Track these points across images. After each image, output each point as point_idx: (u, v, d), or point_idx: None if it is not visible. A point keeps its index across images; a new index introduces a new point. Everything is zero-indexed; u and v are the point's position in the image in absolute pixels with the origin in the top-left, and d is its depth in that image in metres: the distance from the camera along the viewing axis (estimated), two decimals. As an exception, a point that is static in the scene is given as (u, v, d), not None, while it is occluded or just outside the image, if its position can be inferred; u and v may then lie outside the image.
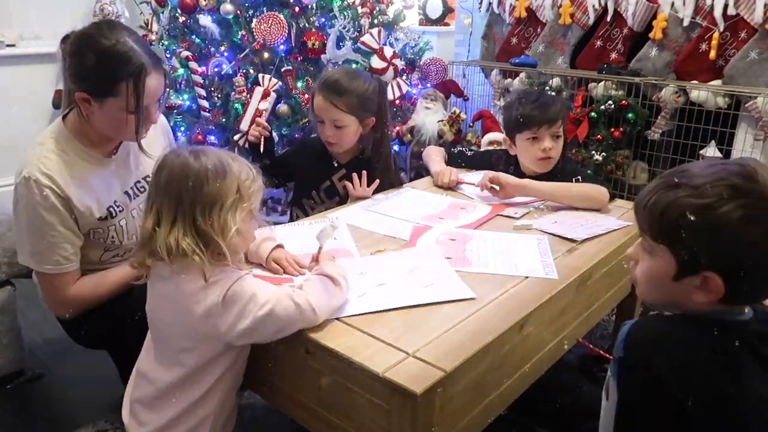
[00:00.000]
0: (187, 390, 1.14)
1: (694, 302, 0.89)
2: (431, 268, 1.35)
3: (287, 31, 2.57)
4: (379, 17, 2.89)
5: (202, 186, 1.08)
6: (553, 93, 2.77)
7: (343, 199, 1.92)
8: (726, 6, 2.47)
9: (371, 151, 1.92)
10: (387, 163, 1.97)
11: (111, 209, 1.45)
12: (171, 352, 1.15)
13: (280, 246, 1.36)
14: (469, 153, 2.21)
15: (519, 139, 1.94)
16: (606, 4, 2.83)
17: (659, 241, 0.91)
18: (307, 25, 2.68)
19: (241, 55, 2.63)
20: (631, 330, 0.91)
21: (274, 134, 2.60)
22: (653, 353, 0.87)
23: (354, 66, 2.68)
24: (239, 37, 2.62)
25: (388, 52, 2.75)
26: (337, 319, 1.13)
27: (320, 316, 1.11)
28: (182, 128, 2.63)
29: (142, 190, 1.53)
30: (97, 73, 1.32)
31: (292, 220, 1.96)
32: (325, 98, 1.80)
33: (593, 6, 2.87)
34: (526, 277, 1.31)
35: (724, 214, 0.83)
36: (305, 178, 1.98)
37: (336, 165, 1.94)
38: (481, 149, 2.99)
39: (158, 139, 1.61)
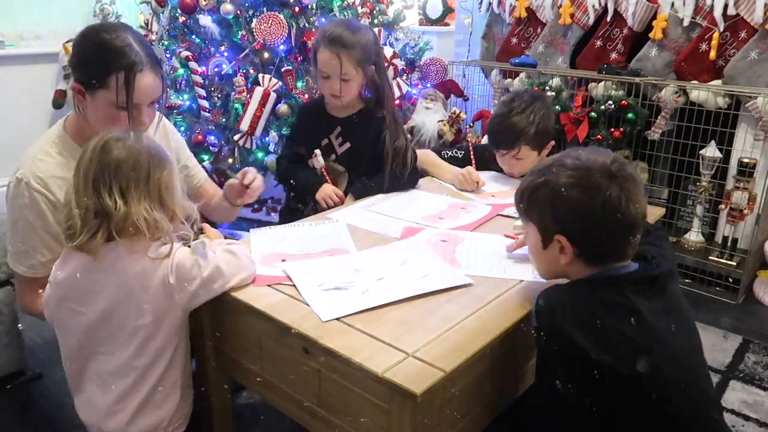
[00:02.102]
0: (145, 377, 1.21)
1: (565, 266, 1.11)
2: (421, 258, 1.37)
3: (287, 31, 2.57)
4: (379, 17, 2.90)
5: (162, 165, 1.19)
6: (553, 93, 2.77)
7: (339, 157, 1.94)
8: (726, 6, 2.47)
9: (374, 102, 1.93)
10: (394, 116, 1.94)
11: None
12: (121, 338, 1.19)
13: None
14: (459, 155, 2.15)
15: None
16: (606, 4, 2.83)
17: (526, 220, 1.17)
18: (307, 25, 2.68)
19: (241, 55, 2.63)
20: (538, 300, 1.07)
21: (274, 134, 2.61)
22: (558, 316, 1.02)
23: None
24: (239, 37, 2.62)
25: (388, 52, 2.75)
26: (337, 319, 1.13)
27: (253, 264, 1.28)
28: (182, 128, 2.63)
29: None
30: (91, 63, 1.34)
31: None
32: (333, 52, 1.79)
33: (593, 6, 2.87)
34: (521, 281, 1.31)
35: (555, 183, 1.08)
36: (305, 138, 1.97)
37: (332, 122, 1.94)
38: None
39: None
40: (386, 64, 2.72)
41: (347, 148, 1.93)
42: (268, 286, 1.25)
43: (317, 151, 1.87)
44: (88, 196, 1.15)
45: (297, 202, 1.98)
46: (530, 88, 2.92)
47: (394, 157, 1.87)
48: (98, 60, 1.33)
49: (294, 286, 1.24)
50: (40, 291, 1.41)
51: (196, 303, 1.22)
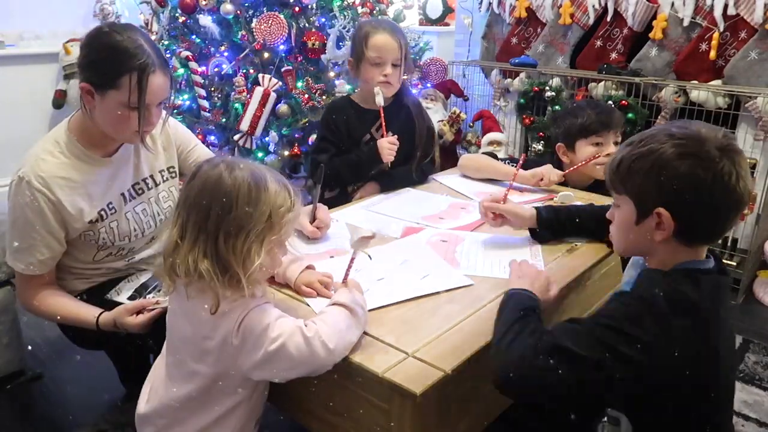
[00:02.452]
0: (197, 413, 1.09)
1: (656, 243, 1.03)
2: (421, 259, 1.37)
3: (287, 31, 2.57)
4: (379, 17, 2.89)
5: (231, 207, 0.99)
6: (553, 93, 2.78)
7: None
8: (726, 6, 2.47)
9: (398, 93, 1.97)
10: (419, 106, 2.03)
11: (103, 212, 1.45)
12: (185, 367, 1.08)
13: (309, 267, 1.27)
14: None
15: (581, 145, 1.94)
16: (606, 4, 2.84)
17: (620, 192, 1.07)
18: (307, 25, 2.68)
19: (241, 55, 2.63)
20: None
21: (274, 134, 2.61)
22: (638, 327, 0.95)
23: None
24: (239, 37, 2.62)
25: (388, 52, 2.75)
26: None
27: (335, 353, 1.01)
28: (182, 128, 2.63)
29: (140, 192, 1.53)
30: (102, 64, 1.33)
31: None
32: (393, 37, 1.85)
33: (593, 6, 2.87)
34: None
35: (662, 152, 0.99)
36: (344, 137, 1.96)
37: (370, 116, 1.95)
38: (482, 149, 3.00)
39: (167, 147, 1.62)
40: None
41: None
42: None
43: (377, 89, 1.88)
44: (171, 227, 1.04)
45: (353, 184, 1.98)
46: (530, 88, 2.93)
47: (428, 137, 1.97)
48: (111, 61, 1.32)
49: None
50: (39, 288, 1.43)
51: (259, 376, 1.06)
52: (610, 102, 2.64)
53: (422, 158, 1.98)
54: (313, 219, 1.51)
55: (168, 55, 2.69)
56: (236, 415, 1.11)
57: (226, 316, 1.01)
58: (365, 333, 1.08)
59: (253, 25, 2.57)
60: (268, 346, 1.00)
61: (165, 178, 1.60)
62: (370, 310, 1.14)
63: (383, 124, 1.88)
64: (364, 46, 1.85)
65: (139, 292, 1.47)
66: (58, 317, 1.43)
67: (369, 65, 1.86)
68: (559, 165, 2.00)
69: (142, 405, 1.17)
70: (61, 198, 1.37)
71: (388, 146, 1.86)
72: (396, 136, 1.89)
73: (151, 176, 1.57)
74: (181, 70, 2.67)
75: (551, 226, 1.49)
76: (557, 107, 2.71)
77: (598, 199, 1.73)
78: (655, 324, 0.93)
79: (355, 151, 1.93)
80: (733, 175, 0.99)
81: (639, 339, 0.92)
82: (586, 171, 1.93)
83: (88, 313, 1.40)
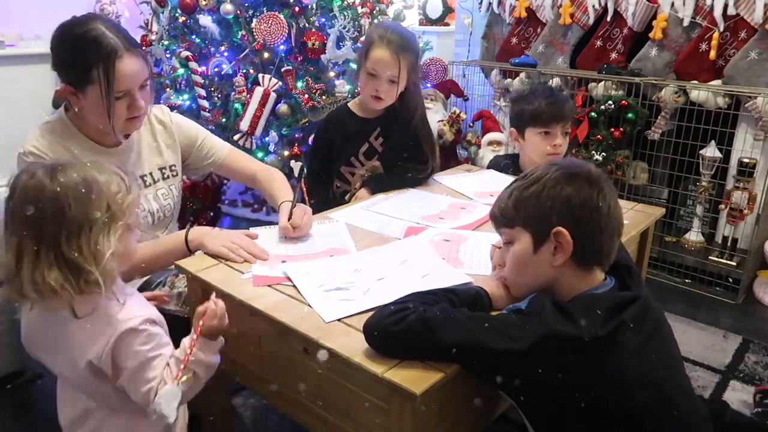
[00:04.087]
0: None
1: (556, 270, 1.07)
2: (421, 258, 1.37)
3: (287, 31, 2.57)
4: (379, 17, 2.89)
5: (64, 210, 0.96)
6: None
7: (381, 154, 1.95)
8: (726, 6, 2.47)
9: (399, 102, 1.93)
10: (423, 115, 1.98)
11: None
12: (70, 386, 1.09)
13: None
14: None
15: (530, 133, 1.96)
16: (606, 4, 2.84)
17: (513, 224, 1.12)
18: (307, 25, 2.68)
19: (241, 55, 2.63)
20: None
21: (274, 134, 2.61)
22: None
23: (354, 65, 2.68)
24: (239, 37, 2.62)
25: (388, 52, 2.75)
26: (338, 319, 1.12)
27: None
28: (182, 128, 2.63)
29: (138, 187, 1.54)
30: (71, 62, 1.34)
31: (333, 191, 1.99)
32: (393, 54, 1.78)
33: (593, 6, 2.87)
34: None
35: (550, 176, 1.08)
36: (341, 149, 1.96)
37: (369, 125, 1.94)
38: (482, 149, 3.00)
39: (171, 138, 1.62)
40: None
41: (383, 144, 1.96)
42: (269, 286, 1.25)
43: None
44: (6, 253, 1.00)
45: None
46: (539, 84, 2.93)
47: (426, 142, 1.95)
48: (77, 58, 1.32)
49: (294, 286, 1.24)
50: None
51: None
52: (610, 102, 2.64)
53: (424, 165, 1.96)
54: (289, 217, 1.49)
55: (168, 55, 2.69)
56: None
57: (95, 337, 1.01)
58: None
59: (253, 25, 2.56)
60: (140, 386, 1.02)
61: (166, 176, 1.60)
62: (369, 310, 1.14)
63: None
64: (365, 54, 1.83)
65: (143, 289, 1.47)
66: (143, 264, 1.34)
67: (366, 75, 1.85)
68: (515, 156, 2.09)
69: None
70: None
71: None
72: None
73: (151, 173, 1.57)
74: (181, 70, 2.66)
75: None
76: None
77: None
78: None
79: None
80: (612, 198, 1.08)
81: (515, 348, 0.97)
82: (539, 161, 1.94)
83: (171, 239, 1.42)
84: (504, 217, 1.15)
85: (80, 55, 1.32)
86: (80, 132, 1.43)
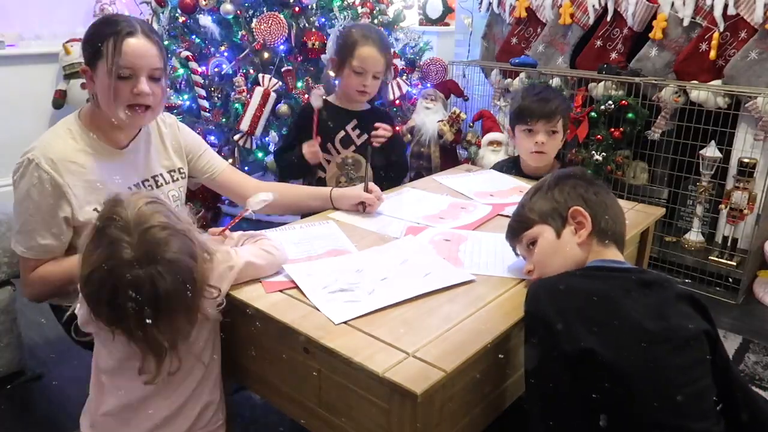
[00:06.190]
0: (165, 399, 1.15)
1: (581, 245, 1.16)
2: (421, 256, 1.38)
3: (287, 31, 2.57)
4: (379, 17, 2.90)
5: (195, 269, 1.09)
6: (554, 93, 2.77)
7: (358, 147, 2.08)
8: (726, 6, 2.47)
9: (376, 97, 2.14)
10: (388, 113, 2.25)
11: None
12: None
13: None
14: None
15: (517, 131, 2.04)
16: (606, 4, 2.84)
17: (532, 224, 1.22)
18: (307, 25, 2.68)
19: (241, 55, 2.63)
20: (531, 286, 1.14)
21: (274, 134, 2.61)
22: (541, 298, 1.08)
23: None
24: (239, 37, 2.62)
25: (388, 52, 2.75)
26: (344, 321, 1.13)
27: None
28: (182, 128, 2.63)
29: (148, 188, 1.55)
30: (89, 40, 1.39)
31: (310, 177, 2.15)
32: (379, 51, 1.96)
33: (593, 6, 2.87)
34: (522, 279, 1.31)
35: (546, 182, 1.24)
36: (322, 133, 2.07)
37: (348, 116, 2.09)
38: (482, 149, 3.00)
39: (172, 141, 1.63)
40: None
41: (365, 140, 2.07)
42: (280, 291, 1.24)
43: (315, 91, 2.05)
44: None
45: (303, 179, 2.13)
46: (537, 82, 2.93)
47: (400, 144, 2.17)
48: (93, 33, 1.38)
49: (297, 288, 1.24)
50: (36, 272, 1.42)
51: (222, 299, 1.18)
52: (610, 102, 2.64)
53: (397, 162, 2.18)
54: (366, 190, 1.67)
55: (168, 55, 2.69)
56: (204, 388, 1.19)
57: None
58: (365, 333, 1.08)
59: (253, 25, 2.57)
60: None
61: (175, 178, 1.61)
62: (377, 310, 1.14)
63: (315, 127, 2.02)
64: (350, 52, 1.95)
65: None
66: (58, 273, 1.41)
67: (351, 72, 1.97)
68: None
69: (94, 405, 1.19)
70: (69, 182, 1.37)
71: (307, 151, 2.01)
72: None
73: (161, 174, 1.57)
74: (181, 70, 2.67)
75: None
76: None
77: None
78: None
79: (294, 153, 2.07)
80: (605, 187, 1.24)
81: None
82: (526, 159, 2.05)
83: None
84: (520, 223, 1.25)
85: (96, 30, 1.38)
86: (92, 133, 1.44)
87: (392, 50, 2.10)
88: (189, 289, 1.06)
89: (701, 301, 1.18)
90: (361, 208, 1.67)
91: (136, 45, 1.36)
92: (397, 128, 2.89)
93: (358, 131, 2.06)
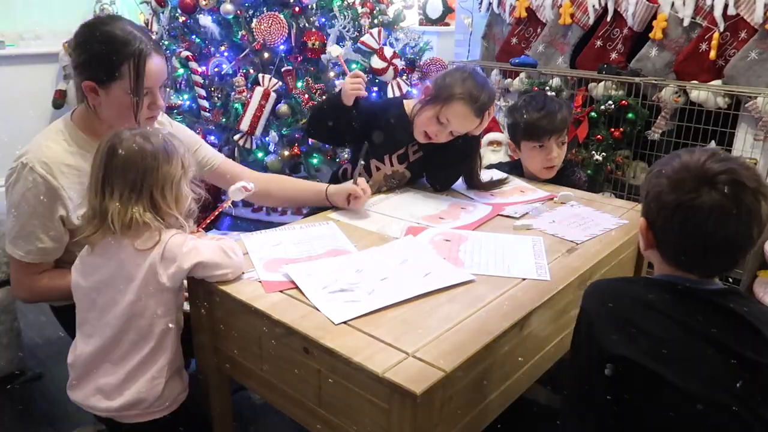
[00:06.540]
0: (140, 347, 1.25)
1: (646, 252, 1.09)
2: (421, 256, 1.38)
3: (287, 31, 2.57)
4: (379, 17, 2.89)
5: (156, 168, 1.23)
6: (553, 93, 2.77)
7: (411, 165, 1.91)
8: (726, 6, 2.47)
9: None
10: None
11: None
12: (118, 321, 1.24)
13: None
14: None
15: (524, 147, 1.99)
16: (606, 4, 2.83)
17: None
18: (307, 25, 2.68)
19: (241, 55, 2.63)
20: (589, 285, 1.10)
21: (274, 134, 2.61)
22: (591, 297, 1.05)
23: (354, 66, 2.68)
24: (239, 37, 2.62)
25: (388, 52, 2.75)
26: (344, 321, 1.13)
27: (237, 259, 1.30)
28: (182, 128, 2.63)
29: (187, 169, 1.55)
30: (101, 58, 1.35)
31: (350, 177, 1.90)
32: (476, 116, 1.73)
33: (593, 6, 2.87)
34: (524, 279, 1.31)
35: (654, 168, 1.06)
36: (382, 140, 1.88)
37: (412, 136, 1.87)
38: (481, 149, 3.00)
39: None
40: (387, 65, 2.74)
41: (419, 157, 1.90)
42: (280, 291, 1.24)
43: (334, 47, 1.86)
44: (96, 196, 1.24)
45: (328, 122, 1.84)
46: (530, 88, 2.93)
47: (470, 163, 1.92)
48: (108, 53, 1.35)
49: (297, 288, 1.24)
50: (36, 276, 1.43)
51: (181, 277, 1.26)
52: (610, 102, 2.64)
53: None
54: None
55: (168, 55, 2.69)
56: (165, 346, 1.27)
57: (145, 252, 1.23)
58: (365, 333, 1.08)
59: (253, 25, 2.56)
60: (190, 257, 1.23)
61: None
62: (376, 310, 1.14)
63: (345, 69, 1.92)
64: (444, 100, 1.73)
65: None
66: (57, 289, 1.43)
67: (433, 119, 1.75)
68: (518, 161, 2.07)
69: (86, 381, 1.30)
70: (64, 185, 1.38)
71: (350, 82, 1.76)
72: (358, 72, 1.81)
73: None
74: (181, 70, 2.66)
75: None
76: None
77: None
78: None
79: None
80: (717, 212, 0.95)
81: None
82: (536, 173, 2.01)
83: None
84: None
85: (112, 50, 1.35)
86: (85, 135, 1.43)
87: (488, 111, 1.78)
88: (150, 169, 1.23)
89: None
90: (350, 200, 1.70)
91: (156, 66, 1.40)
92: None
93: (418, 153, 1.90)
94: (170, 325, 1.27)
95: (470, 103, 1.71)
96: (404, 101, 1.92)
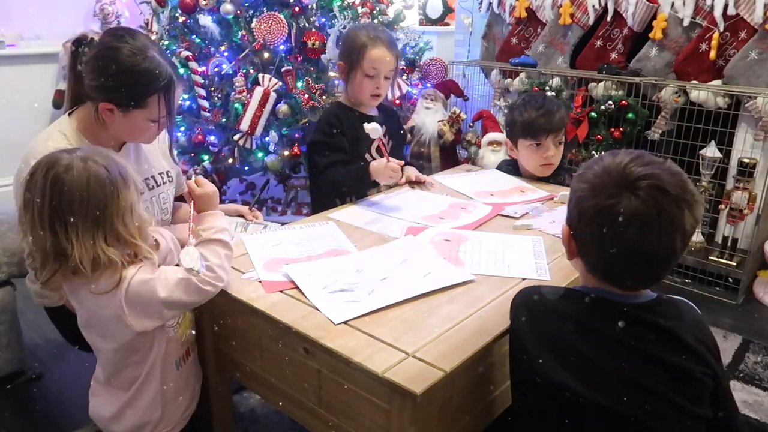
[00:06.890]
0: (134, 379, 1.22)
1: (573, 263, 1.04)
2: (421, 256, 1.38)
3: (287, 31, 2.57)
4: (379, 17, 2.89)
5: (119, 193, 1.10)
6: (553, 93, 2.77)
7: (390, 151, 1.90)
8: (726, 6, 2.47)
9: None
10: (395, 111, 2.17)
11: None
12: (110, 362, 1.21)
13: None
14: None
15: (521, 145, 1.99)
16: (606, 4, 2.84)
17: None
18: (307, 25, 2.68)
19: (241, 55, 2.63)
20: (516, 294, 1.07)
21: (274, 134, 2.61)
22: (516, 312, 1.03)
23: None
24: (239, 37, 2.62)
25: (388, 52, 2.75)
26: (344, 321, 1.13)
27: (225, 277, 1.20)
28: (182, 128, 2.63)
29: (151, 187, 1.56)
30: (128, 88, 1.35)
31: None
32: (390, 51, 1.89)
33: (593, 6, 2.87)
34: (524, 279, 1.31)
35: (578, 173, 1.01)
36: (354, 145, 1.92)
37: (375, 122, 1.87)
38: (481, 149, 3.00)
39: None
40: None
41: (388, 141, 1.99)
42: (280, 291, 1.24)
43: (371, 125, 1.78)
44: (45, 234, 1.07)
45: (352, 196, 1.87)
46: (530, 88, 2.93)
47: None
48: (136, 85, 1.35)
49: (297, 288, 1.24)
50: None
51: (151, 326, 1.17)
52: (610, 102, 2.64)
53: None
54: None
55: (168, 55, 2.69)
56: (153, 377, 1.23)
57: (106, 295, 1.11)
58: (365, 333, 1.08)
59: (253, 25, 2.56)
60: (158, 296, 1.12)
61: (164, 181, 1.61)
62: (377, 310, 1.14)
63: (385, 153, 1.82)
64: (360, 56, 1.87)
65: None
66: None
67: (363, 76, 1.88)
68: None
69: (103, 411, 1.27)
70: None
71: (390, 174, 1.76)
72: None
73: (153, 176, 1.58)
74: (181, 70, 2.66)
75: None
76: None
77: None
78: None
79: (358, 165, 1.85)
80: (639, 220, 0.89)
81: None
82: (533, 171, 2.01)
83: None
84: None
85: (139, 83, 1.35)
86: (84, 137, 1.44)
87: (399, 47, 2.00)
88: (111, 197, 1.09)
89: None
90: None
91: (177, 96, 1.44)
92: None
93: (387, 137, 1.94)
94: (157, 362, 1.22)
95: (378, 42, 1.87)
96: (340, 101, 2.01)
